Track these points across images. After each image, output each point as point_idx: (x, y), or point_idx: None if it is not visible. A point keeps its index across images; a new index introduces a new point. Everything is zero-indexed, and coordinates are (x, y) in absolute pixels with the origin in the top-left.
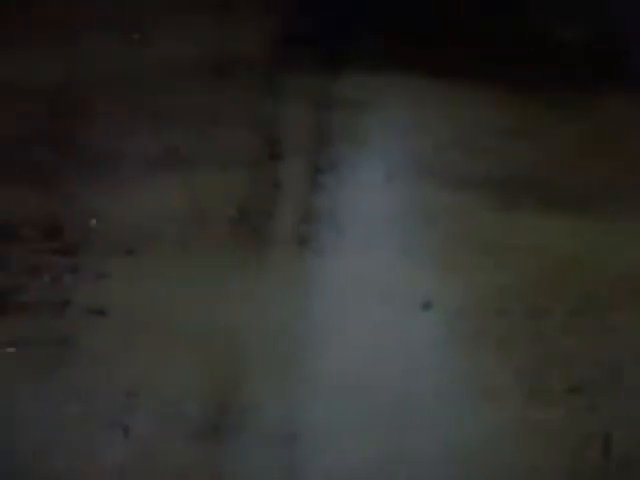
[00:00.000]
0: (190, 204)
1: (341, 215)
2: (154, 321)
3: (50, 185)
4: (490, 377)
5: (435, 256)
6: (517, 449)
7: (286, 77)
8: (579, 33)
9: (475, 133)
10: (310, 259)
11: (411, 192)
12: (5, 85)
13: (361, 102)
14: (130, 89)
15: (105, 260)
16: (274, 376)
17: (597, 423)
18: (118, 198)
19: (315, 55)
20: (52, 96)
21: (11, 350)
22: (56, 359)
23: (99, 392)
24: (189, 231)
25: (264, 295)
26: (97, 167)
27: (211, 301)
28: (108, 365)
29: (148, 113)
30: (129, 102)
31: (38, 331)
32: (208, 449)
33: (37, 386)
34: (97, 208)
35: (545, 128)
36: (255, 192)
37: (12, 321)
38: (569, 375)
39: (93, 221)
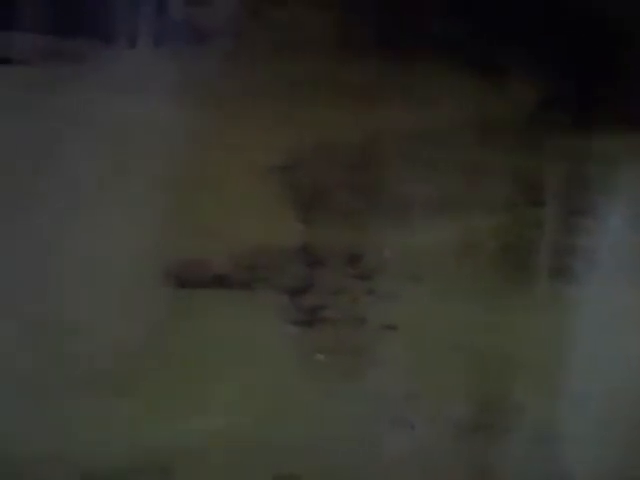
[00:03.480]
0: (463, 240)
1: (592, 251)
2: (435, 336)
3: (353, 223)
4: None
5: None
6: None
7: (545, 134)
8: None
9: None
10: (565, 288)
11: None
12: (317, 143)
13: (609, 155)
14: (416, 145)
15: (396, 284)
16: (534, 384)
17: None
18: (406, 234)
19: (569, 115)
20: (357, 151)
21: (320, 357)
22: (355, 365)
23: (388, 394)
24: (462, 262)
25: (525, 316)
26: (390, 209)
27: (480, 320)
28: (396, 372)
29: (429, 165)
30: (415, 156)
31: (340, 342)
32: (477, 445)
33: (339, 387)
34: (390, 241)
35: None
36: (518, 231)
37: (320, 332)
38: None
39: (387, 252)
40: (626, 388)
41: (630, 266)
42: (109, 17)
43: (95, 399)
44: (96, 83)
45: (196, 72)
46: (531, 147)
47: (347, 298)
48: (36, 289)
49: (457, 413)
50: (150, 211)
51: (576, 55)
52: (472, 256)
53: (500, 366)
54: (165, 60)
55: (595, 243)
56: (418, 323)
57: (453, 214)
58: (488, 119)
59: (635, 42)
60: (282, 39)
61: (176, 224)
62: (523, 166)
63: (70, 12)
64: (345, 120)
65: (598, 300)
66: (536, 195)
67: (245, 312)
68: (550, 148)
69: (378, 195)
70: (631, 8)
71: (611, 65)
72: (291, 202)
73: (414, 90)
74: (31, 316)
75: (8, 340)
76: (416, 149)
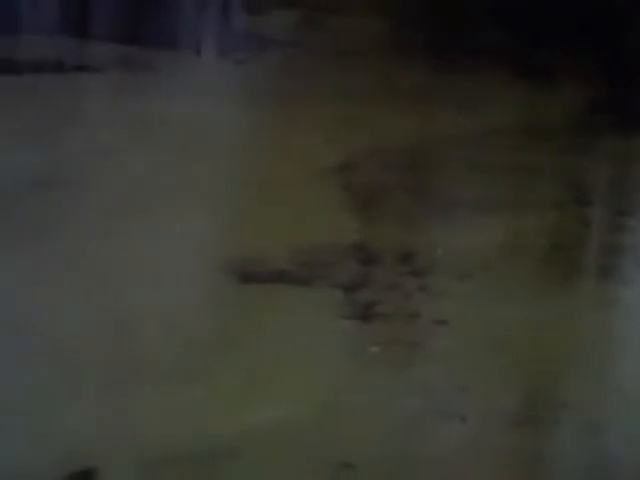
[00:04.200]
0: (512, 239)
1: (639, 250)
2: (485, 332)
3: (406, 222)
4: None
5: None
6: None
7: (592, 136)
8: None
9: None
10: (613, 287)
11: None
12: (371, 146)
13: None
14: (467, 147)
15: (447, 281)
16: (580, 379)
17: None
18: (457, 233)
19: (617, 117)
20: (409, 154)
21: (374, 349)
22: (407, 359)
23: (440, 387)
24: (510, 260)
25: (571, 313)
26: (442, 209)
27: (528, 317)
28: (448, 365)
29: (480, 166)
30: (466, 158)
31: (394, 335)
32: (526, 437)
33: (393, 379)
34: (441, 241)
35: None
36: (565, 230)
37: (375, 327)
38: None
39: (439, 251)
40: None
41: None
42: (175, 26)
43: (162, 388)
44: (164, 90)
45: (258, 78)
46: (578, 148)
47: (400, 294)
48: (105, 284)
49: (507, 406)
50: (215, 210)
51: (622, 57)
52: (521, 255)
53: (548, 362)
54: (228, 66)
55: None
56: (469, 319)
57: (502, 214)
58: (536, 121)
59: None
60: (339, 46)
61: (239, 222)
62: (571, 167)
63: (139, 21)
64: (399, 123)
65: None
66: (584, 195)
67: (304, 307)
68: (597, 149)
69: (430, 195)
70: None
71: None
72: (347, 202)
73: (464, 94)
74: (100, 310)
75: (77, 334)
76: (467, 151)
